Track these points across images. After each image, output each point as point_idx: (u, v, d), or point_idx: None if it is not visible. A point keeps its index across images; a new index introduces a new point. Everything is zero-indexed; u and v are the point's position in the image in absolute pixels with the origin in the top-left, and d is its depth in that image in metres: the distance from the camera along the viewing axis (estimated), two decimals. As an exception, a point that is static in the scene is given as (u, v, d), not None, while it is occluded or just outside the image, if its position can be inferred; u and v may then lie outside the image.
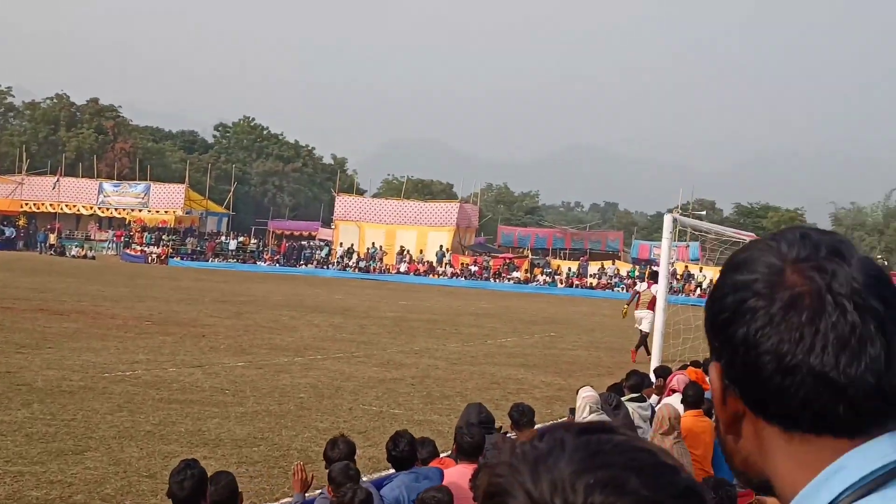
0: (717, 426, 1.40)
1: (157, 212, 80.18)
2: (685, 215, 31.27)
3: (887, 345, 1.25)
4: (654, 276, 26.80)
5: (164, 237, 76.14)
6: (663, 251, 18.61)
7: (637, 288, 29.16)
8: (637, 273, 68.96)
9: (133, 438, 12.54)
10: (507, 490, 1.03)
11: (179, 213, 79.76)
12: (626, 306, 28.42)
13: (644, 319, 25.84)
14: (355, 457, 7.89)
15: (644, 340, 25.20)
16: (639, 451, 1.03)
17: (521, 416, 9.75)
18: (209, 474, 6.73)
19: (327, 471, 7.41)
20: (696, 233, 31.10)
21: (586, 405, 10.04)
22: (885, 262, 59.86)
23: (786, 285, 1.28)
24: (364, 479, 8.22)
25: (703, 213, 73.11)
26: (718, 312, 1.33)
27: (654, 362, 17.44)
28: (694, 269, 64.89)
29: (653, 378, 14.36)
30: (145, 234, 76.64)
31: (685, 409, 10.37)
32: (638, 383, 12.45)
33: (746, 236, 24.42)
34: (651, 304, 24.45)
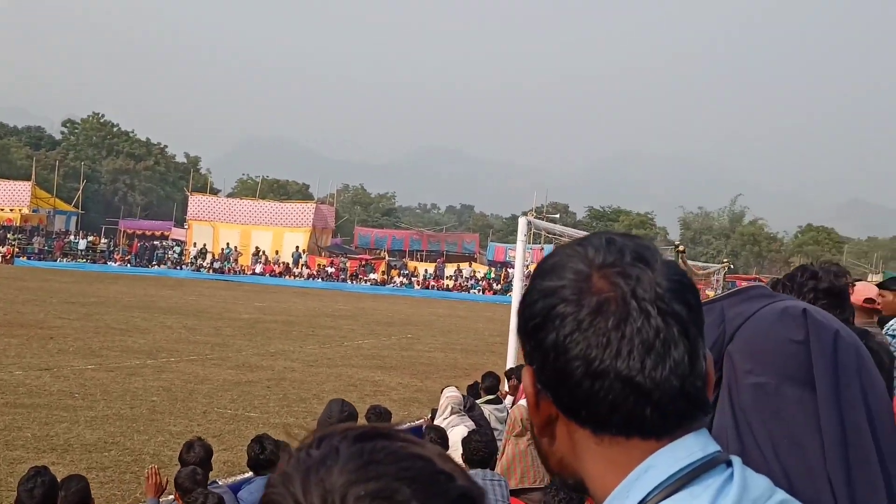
0: (531, 429, 1.41)
1: (2, 210, 77.61)
2: (540, 218, 31.63)
3: (690, 348, 1.29)
4: None
5: (9, 236, 73.78)
6: (518, 253, 18.75)
7: None
8: (493, 275, 69.78)
9: (-24, 444, 12.16)
10: (278, 501, 1.01)
11: (26, 211, 77.35)
12: None
13: None
14: (211, 460, 7.77)
15: None
16: (414, 459, 1.02)
17: (378, 417, 9.74)
18: (59, 480, 6.57)
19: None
20: (551, 235, 31.62)
21: (448, 405, 10.11)
22: (731, 266, 61.71)
23: (592, 291, 1.30)
24: (220, 482, 8.11)
25: (557, 216, 74.39)
26: (529, 318, 1.34)
27: (509, 363, 17.57)
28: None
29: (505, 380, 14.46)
30: (-11, 232, 74.04)
31: None
32: (494, 385, 12.55)
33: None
34: None
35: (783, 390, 2.24)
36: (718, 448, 1.32)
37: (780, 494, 1.32)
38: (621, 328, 1.27)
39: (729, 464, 1.31)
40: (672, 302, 1.29)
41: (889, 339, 7.64)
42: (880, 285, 8.39)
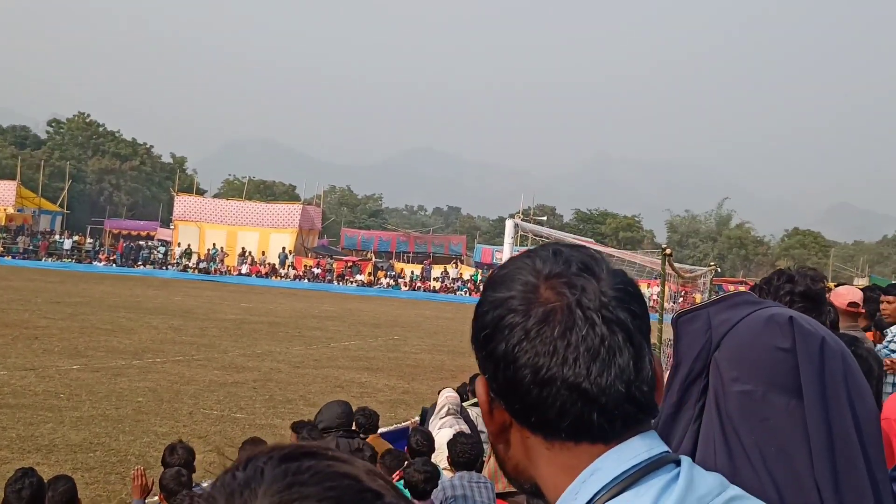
0: (489, 436, 1.46)
1: (-14, 209, 77.19)
2: (526, 220, 31.64)
3: (635, 354, 1.34)
4: None
5: (-7, 235, 73.35)
6: (505, 256, 18.76)
7: None
8: (480, 277, 69.72)
9: (-39, 445, 12.10)
10: None
11: (10, 210, 76.83)
12: None
13: None
14: (194, 462, 7.79)
15: None
16: (340, 478, 1.01)
17: (367, 419, 9.73)
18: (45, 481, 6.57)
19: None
20: (538, 238, 31.61)
21: (446, 405, 10.11)
22: (719, 269, 61.86)
23: (539, 301, 1.35)
24: (204, 484, 8.08)
25: (544, 218, 74.44)
26: (480, 329, 1.40)
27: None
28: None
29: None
30: (-27, 232, 73.50)
31: None
32: (481, 387, 12.49)
33: (586, 242, 24.88)
34: None
35: (770, 398, 2.25)
36: (666, 449, 1.36)
37: (732, 491, 1.35)
38: (567, 336, 1.32)
39: (678, 463, 1.35)
40: (617, 310, 1.34)
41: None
42: (885, 291, 8.36)
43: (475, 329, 1.41)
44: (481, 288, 1.46)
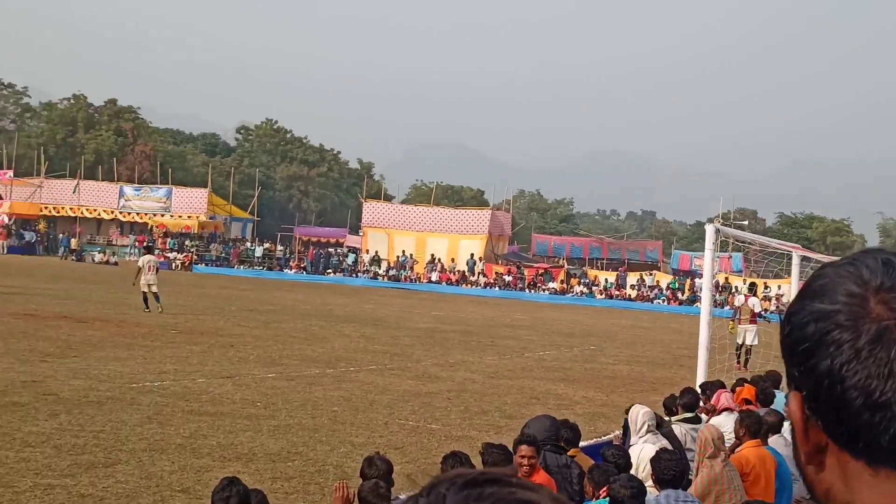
0: (796, 455, 1.32)
1: (180, 217, 79.90)
2: (726, 225, 30.70)
3: None
4: (751, 289, 30.14)
5: (187, 243, 75.79)
6: (706, 263, 17.92)
7: (736, 303, 29.83)
8: (678, 285, 67.67)
9: (164, 451, 12.30)
10: None
11: (203, 218, 79.41)
12: (731, 322, 28.23)
13: (748, 332, 27.26)
14: (392, 475, 7.65)
15: (749, 353, 26.98)
16: None
17: (573, 432, 9.53)
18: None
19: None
20: (739, 243, 30.64)
21: (645, 422, 9.87)
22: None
23: (871, 317, 1.21)
24: (402, 496, 7.93)
25: (745, 222, 72.18)
26: (799, 341, 1.26)
27: (699, 378, 16.74)
28: (737, 281, 59.19)
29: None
30: (168, 239, 76.08)
31: (746, 439, 9.74)
32: (692, 402, 11.85)
33: (791, 248, 23.86)
34: (752, 318, 27.25)
35: None
36: None
37: None
38: None
39: None
40: None
41: None
42: None
43: (791, 341, 1.27)
44: (797, 296, 1.30)
